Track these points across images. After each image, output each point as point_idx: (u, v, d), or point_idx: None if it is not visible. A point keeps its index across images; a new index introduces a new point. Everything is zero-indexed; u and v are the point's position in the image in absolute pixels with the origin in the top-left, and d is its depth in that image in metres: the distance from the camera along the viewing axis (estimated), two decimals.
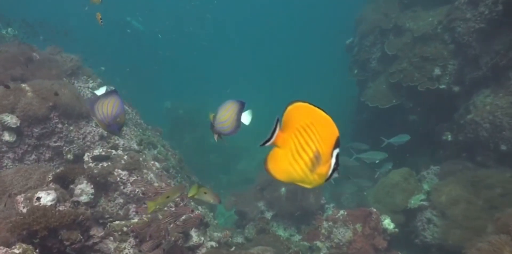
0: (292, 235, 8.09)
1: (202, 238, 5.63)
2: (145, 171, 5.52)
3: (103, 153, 5.36)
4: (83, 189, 4.68)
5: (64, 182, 4.72)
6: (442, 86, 9.49)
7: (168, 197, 3.90)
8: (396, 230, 7.17)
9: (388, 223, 7.13)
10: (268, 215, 8.20)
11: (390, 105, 10.23)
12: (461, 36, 9.06)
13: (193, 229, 5.55)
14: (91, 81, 7.91)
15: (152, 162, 5.88)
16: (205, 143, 16.87)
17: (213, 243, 5.87)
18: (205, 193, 4.03)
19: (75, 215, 3.93)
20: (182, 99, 18.93)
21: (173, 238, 4.85)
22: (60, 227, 3.85)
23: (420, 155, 10.02)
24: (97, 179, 5.07)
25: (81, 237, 3.91)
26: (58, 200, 4.25)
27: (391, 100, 10.32)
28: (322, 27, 33.48)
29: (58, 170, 4.81)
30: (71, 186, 4.74)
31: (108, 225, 4.67)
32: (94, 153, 5.33)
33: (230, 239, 7.01)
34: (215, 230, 6.59)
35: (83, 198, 4.67)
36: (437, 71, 9.53)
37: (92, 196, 4.79)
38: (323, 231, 7.24)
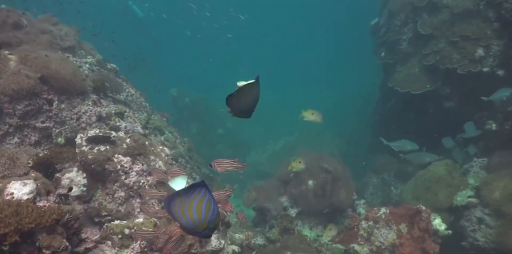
0: (320, 236, 6.99)
1: (223, 242, 4.54)
2: (152, 157, 4.41)
3: (101, 135, 4.26)
4: (73, 179, 3.58)
5: (48, 170, 3.63)
6: (485, 69, 8.33)
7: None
8: (449, 231, 6.08)
9: (438, 223, 6.03)
10: (292, 212, 7.10)
11: (423, 90, 9.08)
12: (508, 12, 7.91)
13: None
14: (89, 57, 6.79)
15: (161, 147, 4.78)
16: (212, 134, 15.82)
17: (235, 248, 4.79)
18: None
19: (59, 214, 2.84)
20: (188, 86, 17.84)
21: (188, 242, 3.76)
22: (37, 229, 2.76)
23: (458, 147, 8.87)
24: (92, 166, 3.98)
25: (67, 244, 2.81)
26: (38, 193, 3.15)
27: (425, 85, 9.17)
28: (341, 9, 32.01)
29: (40, 154, 3.69)
30: (57, 174, 3.64)
31: (105, 226, 3.57)
32: (89, 134, 4.23)
33: (252, 241, 5.93)
34: (235, 231, 5.52)
35: (73, 191, 3.57)
36: (479, 52, 8.37)
37: (85, 188, 3.69)
38: (361, 232, 6.14)
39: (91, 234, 3.74)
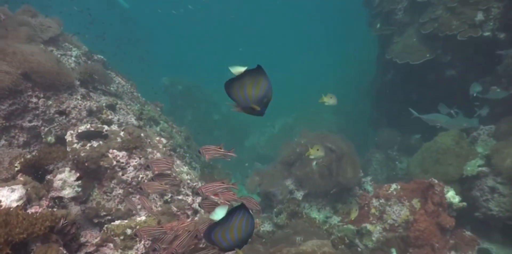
0: (329, 217, 6.80)
1: None
2: (149, 150, 4.14)
3: (92, 129, 3.97)
4: (66, 180, 3.32)
5: (37, 172, 3.35)
6: (486, 34, 8.02)
7: None
8: (464, 204, 5.87)
9: (452, 196, 5.81)
10: (299, 195, 6.88)
11: (423, 60, 8.78)
12: None
13: None
14: (75, 49, 6.43)
15: (158, 138, 4.50)
16: (208, 120, 15.53)
17: None
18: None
19: (52, 220, 2.58)
20: (180, 75, 17.45)
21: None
22: (30, 239, 2.50)
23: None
24: (86, 164, 3.70)
25: (64, 252, 2.56)
26: (29, 199, 2.89)
27: (424, 54, 8.87)
28: None
29: (28, 156, 3.41)
30: (48, 176, 3.37)
31: (105, 228, 3.32)
32: (79, 130, 3.94)
33: (260, 228, 5.72)
34: None
35: (67, 193, 3.31)
36: (479, 16, 8.05)
37: (80, 189, 3.43)
38: (373, 210, 5.93)
39: (91, 237, 3.49)
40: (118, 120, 4.97)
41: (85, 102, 4.91)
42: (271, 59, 28.88)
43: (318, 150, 5.81)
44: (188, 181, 4.33)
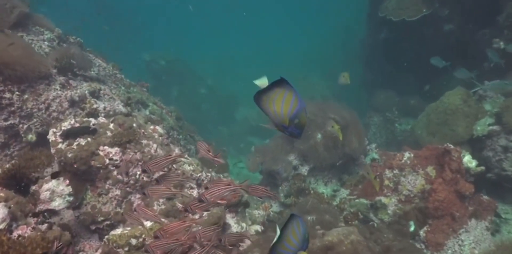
0: (336, 190, 6.47)
1: (244, 225, 3.94)
2: (144, 142, 3.67)
3: (77, 125, 3.48)
4: (54, 190, 2.86)
5: (20, 183, 2.88)
6: None
7: None
8: (482, 168, 5.55)
9: (469, 160, 5.48)
10: (304, 170, 6.51)
11: (420, 15, 8.30)
12: None
13: (229, 214, 3.84)
14: (47, 33, 5.78)
15: (152, 127, 4.02)
16: (195, 95, 14.96)
17: (257, 227, 4.21)
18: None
19: (44, 247, 2.14)
20: (161, 50, 16.66)
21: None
22: None
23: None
24: (75, 166, 3.24)
25: None
26: (14, 218, 2.44)
27: (420, 9, 8.38)
28: None
29: (7, 166, 2.92)
30: (33, 187, 2.90)
31: (106, 239, 2.89)
32: (63, 127, 3.45)
33: (270, 212, 5.37)
34: (251, 203, 4.92)
35: (57, 204, 2.86)
36: None
37: (71, 198, 2.98)
38: (386, 182, 5.58)
39: (90, 248, 3.08)
40: (105, 108, 4.46)
41: (66, 92, 4.37)
42: (255, 25, 27.99)
43: (333, 126, 5.40)
44: (191, 173, 3.90)
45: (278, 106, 1.90)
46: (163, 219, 3.10)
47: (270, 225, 4.69)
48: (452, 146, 5.31)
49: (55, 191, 2.92)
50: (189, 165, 3.94)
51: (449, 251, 5.16)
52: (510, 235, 5.80)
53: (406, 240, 5.17)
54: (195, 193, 3.84)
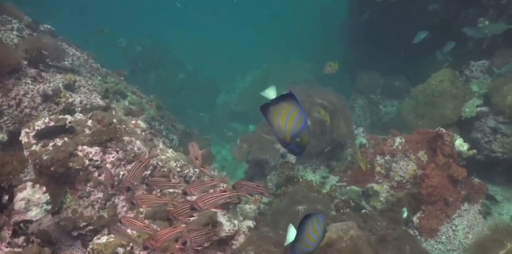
0: (325, 177, 6.32)
1: (236, 222, 3.74)
2: (126, 139, 3.41)
3: (52, 124, 3.20)
4: (30, 199, 2.61)
5: None
6: None
7: None
8: (474, 151, 5.44)
9: (460, 144, 5.36)
10: (292, 158, 6.33)
11: None
12: None
13: (220, 212, 3.64)
14: (15, 21, 5.36)
15: (134, 121, 3.75)
16: (174, 80, 14.58)
17: (249, 223, 4.02)
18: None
19: None
20: (137, 36, 16.07)
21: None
22: None
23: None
24: (52, 169, 2.97)
25: None
26: None
27: None
28: None
29: None
30: (6, 197, 2.63)
31: (90, 249, 2.66)
32: (36, 127, 3.16)
33: (260, 205, 5.19)
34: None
35: (34, 214, 2.61)
36: None
37: (49, 206, 2.72)
38: (378, 169, 5.45)
39: None
40: (81, 102, 4.15)
41: (38, 86, 4.05)
42: (232, 8, 27.39)
43: (320, 112, 5.25)
44: (178, 169, 3.67)
45: (283, 121, 1.89)
46: (154, 226, 2.88)
47: (262, 218, 4.51)
48: (444, 130, 5.18)
49: (30, 200, 2.66)
50: (175, 161, 3.71)
51: (443, 236, 5.08)
52: (501, 217, 5.76)
53: (400, 227, 5.08)
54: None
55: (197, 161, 2.50)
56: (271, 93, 1.89)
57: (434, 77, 6.83)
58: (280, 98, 1.87)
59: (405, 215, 5.23)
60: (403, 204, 5.26)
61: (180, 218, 2.49)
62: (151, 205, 2.45)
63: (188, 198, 2.69)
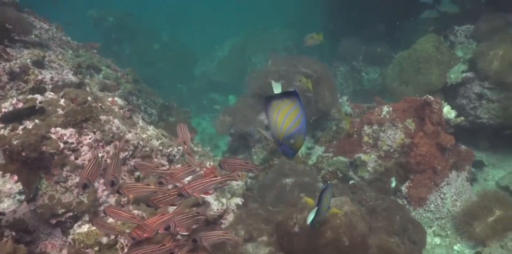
0: (311, 148, 6.20)
1: (224, 201, 3.60)
2: (103, 118, 3.17)
3: (21, 105, 2.93)
4: (0, 189, 2.37)
5: None
6: None
7: None
8: (462, 118, 5.37)
9: (448, 111, 5.27)
10: None
11: None
12: None
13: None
14: None
15: (110, 99, 3.49)
16: (149, 51, 14.09)
17: (238, 200, 3.88)
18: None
19: None
20: (108, 6, 15.31)
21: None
22: None
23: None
24: (23, 154, 2.73)
25: None
26: None
27: None
28: None
29: None
30: None
31: (70, 239, 2.48)
32: (3, 109, 2.90)
33: (247, 180, 5.04)
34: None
35: (7, 206, 2.40)
36: None
37: (22, 197, 2.51)
38: (365, 139, 5.32)
39: (52, 248, 2.66)
40: (52, 79, 3.85)
41: (3, 63, 3.72)
42: None
43: (301, 80, 5.07)
44: (161, 148, 3.46)
45: (281, 119, 1.84)
46: (139, 212, 2.70)
47: (250, 194, 4.37)
48: (432, 98, 5.05)
49: (1, 191, 2.44)
50: (157, 140, 3.50)
51: (432, 205, 5.05)
52: (487, 183, 5.78)
53: (389, 197, 5.02)
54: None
55: (186, 146, 2.30)
56: (277, 87, 1.86)
57: (419, 43, 6.66)
58: (284, 94, 1.82)
59: (393, 184, 5.17)
60: (391, 173, 5.19)
61: (160, 205, 2.31)
62: (139, 194, 2.26)
63: (170, 187, 2.49)
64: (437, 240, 4.85)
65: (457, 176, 5.22)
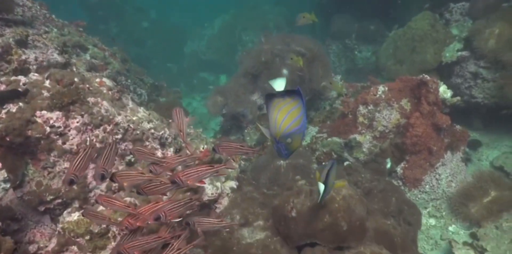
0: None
1: (218, 184, 3.51)
2: (91, 100, 3.02)
3: (4, 87, 2.78)
4: None
5: None
6: None
7: None
8: (458, 98, 5.28)
9: (444, 90, 5.18)
10: None
11: None
12: None
13: None
14: None
15: (98, 79, 3.33)
16: (137, 29, 13.76)
17: (232, 183, 3.79)
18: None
19: None
20: None
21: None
22: None
23: None
24: (8, 139, 2.60)
25: None
26: None
27: None
28: None
29: None
30: None
31: (60, 228, 2.37)
32: None
33: (241, 162, 4.95)
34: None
35: None
36: None
37: (7, 185, 2.38)
38: (360, 119, 5.23)
39: (41, 236, 2.56)
40: (36, 59, 3.67)
41: None
42: None
43: (293, 58, 4.96)
44: (152, 131, 3.33)
45: (281, 117, 1.79)
46: (131, 199, 2.59)
47: (244, 177, 4.28)
48: (428, 77, 4.95)
49: None
50: (148, 122, 3.36)
51: (427, 186, 5.01)
52: (481, 163, 5.75)
53: (384, 178, 4.97)
54: (159, 154, 3.32)
55: (182, 133, 2.17)
56: (280, 85, 1.79)
57: (414, 21, 6.52)
58: (287, 93, 1.78)
59: (388, 165, 5.12)
60: (387, 154, 5.12)
61: (151, 194, 2.19)
62: (133, 182, 2.14)
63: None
64: (432, 221, 4.83)
65: (452, 156, 5.17)
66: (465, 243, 4.33)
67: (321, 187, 2.45)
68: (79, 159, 1.99)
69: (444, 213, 4.86)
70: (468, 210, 4.62)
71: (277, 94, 1.78)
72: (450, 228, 4.70)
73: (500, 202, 4.52)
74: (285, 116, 1.76)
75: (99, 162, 2.03)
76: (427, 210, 4.94)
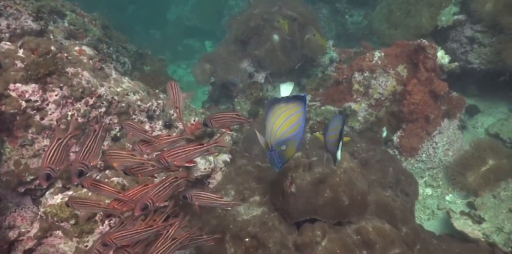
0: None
1: (211, 158, 3.32)
2: (71, 70, 2.76)
3: None
4: None
5: None
6: None
7: None
8: (456, 64, 5.07)
9: (441, 56, 4.96)
10: (260, 77, 5.82)
11: None
12: None
13: None
14: None
15: (77, 48, 3.05)
16: None
17: (225, 157, 3.61)
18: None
19: None
20: None
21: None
22: None
23: None
24: None
25: None
26: None
27: None
28: None
29: None
30: None
31: (42, 213, 2.17)
32: None
33: (233, 133, 4.74)
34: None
35: None
36: None
37: None
38: (356, 86, 5.03)
39: (22, 220, 2.37)
40: (8, 26, 3.35)
41: None
42: None
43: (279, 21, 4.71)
44: (139, 103, 3.10)
45: (279, 123, 1.76)
46: (118, 179, 2.39)
47: (237, 150, 4.09)
48: (426, 42, 4.73)
49: None
50: (134, 94, 3.12)
51: (423, 155, 4.89)
52: (476, 130, 5.64)
53: (380, 148, 4.84)
54: (146, 127, 3.10)
55: (178, 111, 1.93)
56: (287, 89, 1.76)
57: None
58: (291, 99, 1.75)
59: (384, 134, 4.97)
60: (383, 123, 4.97)
61: (139, 175, 1.98)
62: (123, 163, 1.91)
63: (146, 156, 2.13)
64: (429, 190, 4.75)
65: (449, 124, 5.04)
66: (462, 213, 4.26)
67: (339, 148, 2.17)
68: (53, 148, 1.69)
69: (440, 183, 4.77)
70: (465, 179, 4.52)
71: (281, 99, 1.76)
72: (447, 198, 4.62)
73: (498, 171, 4.43)
74: (284, 121, 1.73)
75: (78, 154, 1.75)
76: (424, 179, 4.84)
